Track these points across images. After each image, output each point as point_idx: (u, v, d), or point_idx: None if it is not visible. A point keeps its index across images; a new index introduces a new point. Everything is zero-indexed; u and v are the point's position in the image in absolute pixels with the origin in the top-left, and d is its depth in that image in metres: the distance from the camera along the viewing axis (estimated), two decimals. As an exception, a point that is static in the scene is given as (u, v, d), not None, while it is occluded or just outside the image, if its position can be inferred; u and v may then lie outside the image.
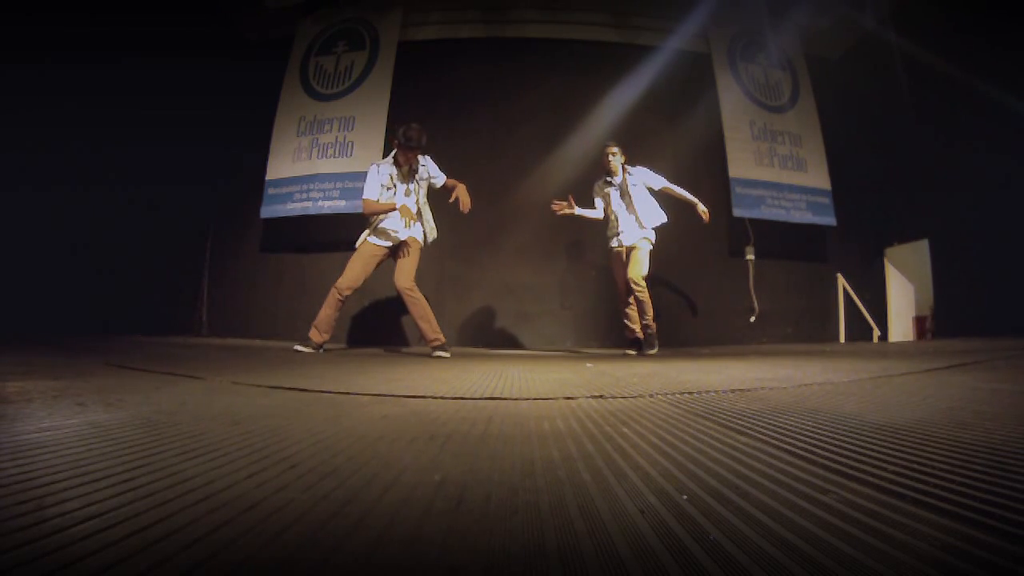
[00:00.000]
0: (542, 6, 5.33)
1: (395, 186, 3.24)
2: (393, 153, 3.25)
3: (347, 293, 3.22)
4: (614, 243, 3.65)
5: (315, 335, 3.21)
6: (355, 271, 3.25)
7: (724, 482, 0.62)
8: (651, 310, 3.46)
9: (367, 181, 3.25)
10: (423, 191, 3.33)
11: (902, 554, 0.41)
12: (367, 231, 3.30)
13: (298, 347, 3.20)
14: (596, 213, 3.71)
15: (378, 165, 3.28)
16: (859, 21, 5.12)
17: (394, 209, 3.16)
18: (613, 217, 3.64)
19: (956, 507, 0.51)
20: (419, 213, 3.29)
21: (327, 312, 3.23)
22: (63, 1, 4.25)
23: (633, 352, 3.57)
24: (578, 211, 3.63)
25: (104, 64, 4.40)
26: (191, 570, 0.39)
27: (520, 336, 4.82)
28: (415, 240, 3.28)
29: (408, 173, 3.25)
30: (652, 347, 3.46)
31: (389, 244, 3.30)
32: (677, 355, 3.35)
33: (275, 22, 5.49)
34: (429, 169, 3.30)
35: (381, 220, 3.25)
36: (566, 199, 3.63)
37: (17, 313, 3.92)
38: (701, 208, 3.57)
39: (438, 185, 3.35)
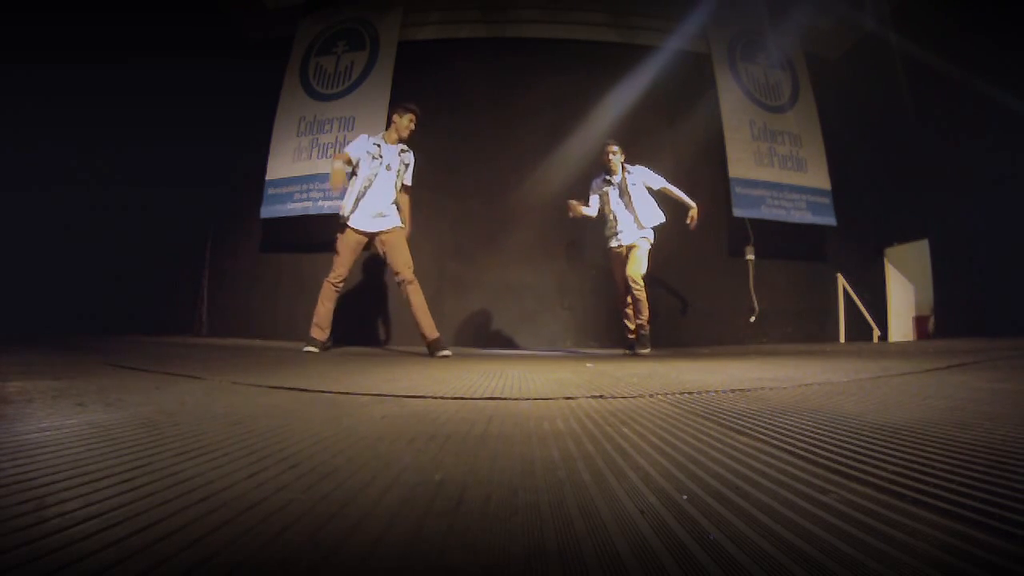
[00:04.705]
0: (542, 6, 5.33)
1: (381, 157, 3.28)
2: (385, 132, 3.35)
3: (339, 283, 3.25)
4: (613, 243, 3.65)
5: (317, 332, 3.23)
6: (342, 260, 3.26)
7: (724, 482, 0.61)
8: (647, 310, 3.46)
9: (352, 142, 3.33)
10: (401, 179, 3.36)
11: (902, 554, 0.41)
12: (346, 211, 3.28)
13: (306, 348, 3.21)
14: (590, 211, 3.71)
15: (369, 136, 3.36)
16: (859, 21, 5.12)
17: (335, 170, 3.20)
18: (612, 216, 3.63)
19: (956, 507, 0.51)
20: (396, 204, 3.32)
21: (325, 306, 3.24)
22: (64, 1, 4.24)
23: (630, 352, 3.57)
24: (583, 210, 3.66)
25: (104, 64, 4.40)
26: (191, 570, 0.39)
27: (520, 336, 4.82)
28: (398, 229, 3.29)
29: (396, 152, 3.31)
30: (645, 347, 3.46)
31: (367, 230, 3.27)
32: (677, 355, 3.35)
33: (275, 22, 5.50)
34: (409, 163, 3.37)
35: (358, 201, 3.25)
36: (568, 204, 3.64)
37: (17, 313, 3.91)
38: (692, 213, 3.56)
39: (402, 183, 3.38)
